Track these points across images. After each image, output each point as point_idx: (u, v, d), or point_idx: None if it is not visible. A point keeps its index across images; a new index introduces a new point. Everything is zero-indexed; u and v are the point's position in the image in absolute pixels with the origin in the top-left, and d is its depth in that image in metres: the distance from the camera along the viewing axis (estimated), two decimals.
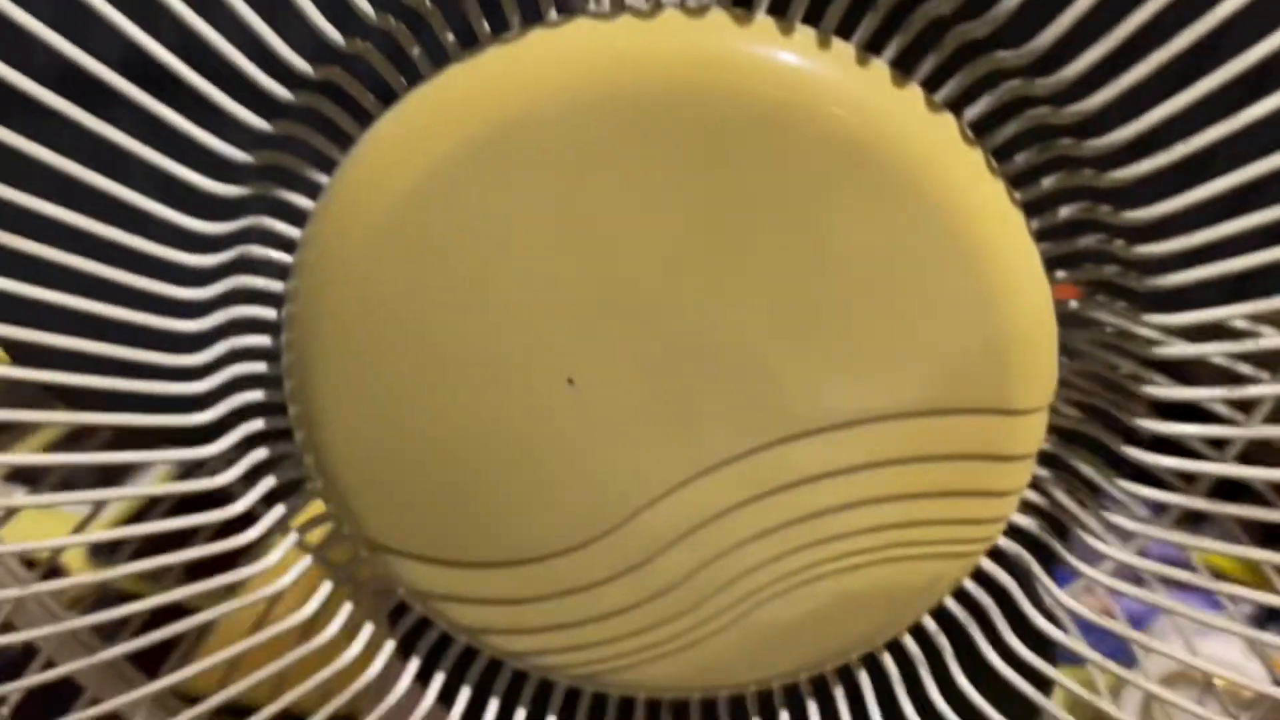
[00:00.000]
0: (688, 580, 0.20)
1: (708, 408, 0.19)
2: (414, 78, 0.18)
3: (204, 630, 0.27)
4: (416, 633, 0.22)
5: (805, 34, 0.17)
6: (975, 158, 0.18)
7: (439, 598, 0.21)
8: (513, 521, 0.20)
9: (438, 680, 0.22)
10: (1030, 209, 0.18)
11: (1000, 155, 0.18)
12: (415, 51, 0.18)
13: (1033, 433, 0.19)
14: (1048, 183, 0.18)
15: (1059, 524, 0.22)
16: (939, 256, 0.18)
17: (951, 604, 0.21)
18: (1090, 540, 0.21)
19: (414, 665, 0.22)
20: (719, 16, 0.17)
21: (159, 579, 0.25)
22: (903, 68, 0.17)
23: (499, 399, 0.19)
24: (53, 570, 0.26)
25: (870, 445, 0.19)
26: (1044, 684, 0.21)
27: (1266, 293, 0.18)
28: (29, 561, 0.26)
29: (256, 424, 0.20)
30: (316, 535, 0.22)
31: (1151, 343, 0.18)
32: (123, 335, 0.19)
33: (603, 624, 0.21)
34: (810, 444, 0.19)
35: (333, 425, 0.20)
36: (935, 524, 0.20)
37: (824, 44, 0.17)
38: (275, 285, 0.19)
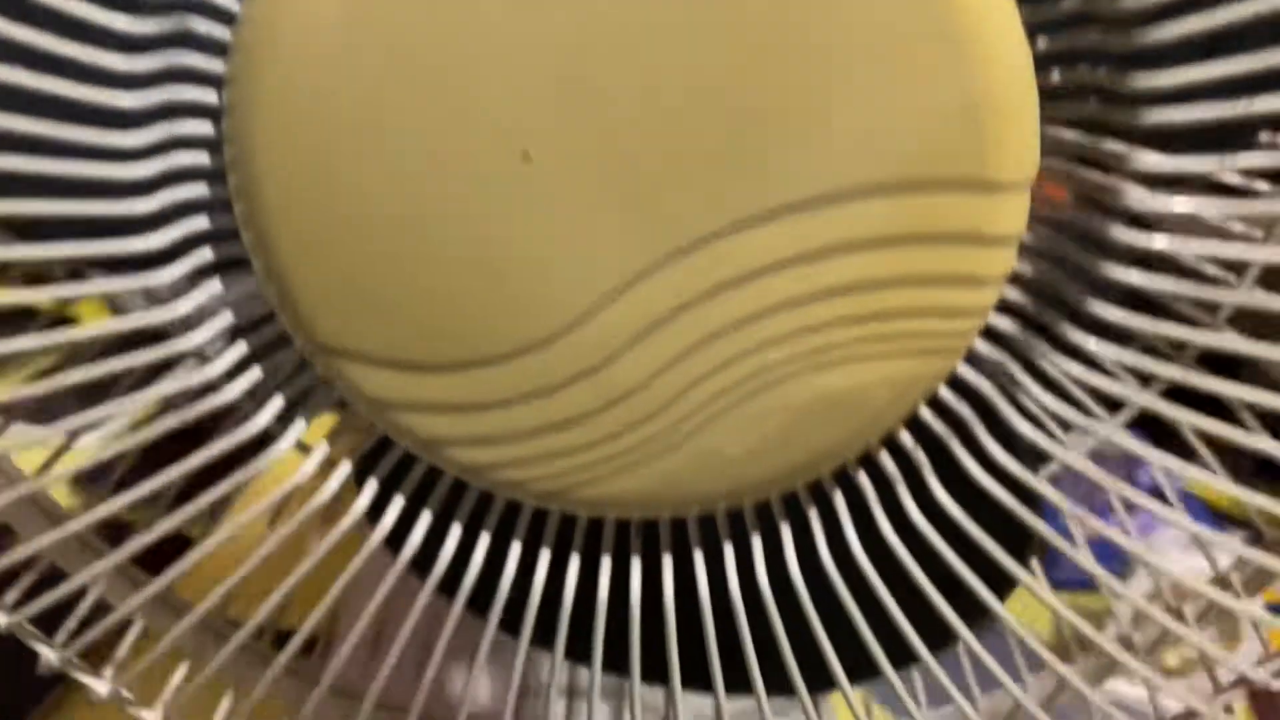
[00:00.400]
0: (650, 383, 0.19)
1: (669, 186, 0.18)
2: None
3: None
4: (375, 456, 0.21)
5: None
6: None
7: (395, 406, 0.20)
8: (467, 319, 0.19)
9: (397, 504, 0.21)
10: None
11: None
12: None
13: (1013, 212, 0.18)
14: None
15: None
16: (913, 14, 0.17)
17: (928, 415, 0.20)
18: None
19: (372, 486, 0.21)
20: None
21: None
22: None
23: (451, 180, 0.18)
24: None
25: (840, 226, 0.18)
26: (1031, 501, 0.21)
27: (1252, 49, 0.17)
28: None
29: (200, 222, 0.19)
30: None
31: (1137, 105, 0.17)
32: (51, 110, 0.18)
33: (564, 433, 0.20)
34: (775, 226, 0.18)
35: (280, 222, 0.19)
36: (910, 315, 0.18)
37: None
38: (218, 66, 0.18)
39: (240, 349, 0.20)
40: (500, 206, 0.18)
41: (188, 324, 0.19)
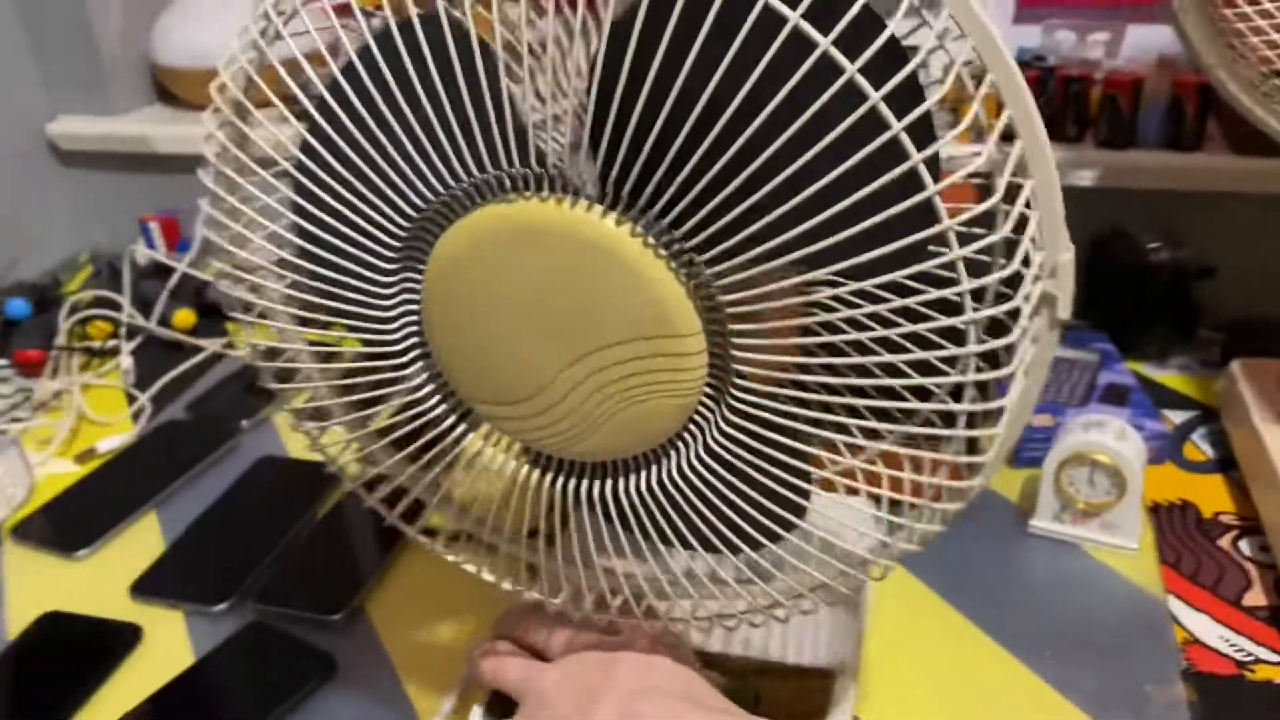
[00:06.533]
0: (576, 410, 0.41)
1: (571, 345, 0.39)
2: None
3: None
4: None
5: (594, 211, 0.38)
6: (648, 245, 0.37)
7: (488, 417, 0.42)
8: (507, 388, 0.40)
9: None
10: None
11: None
12: None
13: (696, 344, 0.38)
14: None
15: None
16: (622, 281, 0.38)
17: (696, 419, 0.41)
18: None
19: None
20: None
21: None
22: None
23: (493, 336, 0.40)
24: None
25: (619, 352, 0.38)
26: None
27: None
28: None
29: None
30: None
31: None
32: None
33: (546, 427, 0.41)
34: (600, 354, 0.39)
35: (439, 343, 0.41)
36: (661, 383, 0.39)
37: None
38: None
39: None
40: (517, 349, 0.39)
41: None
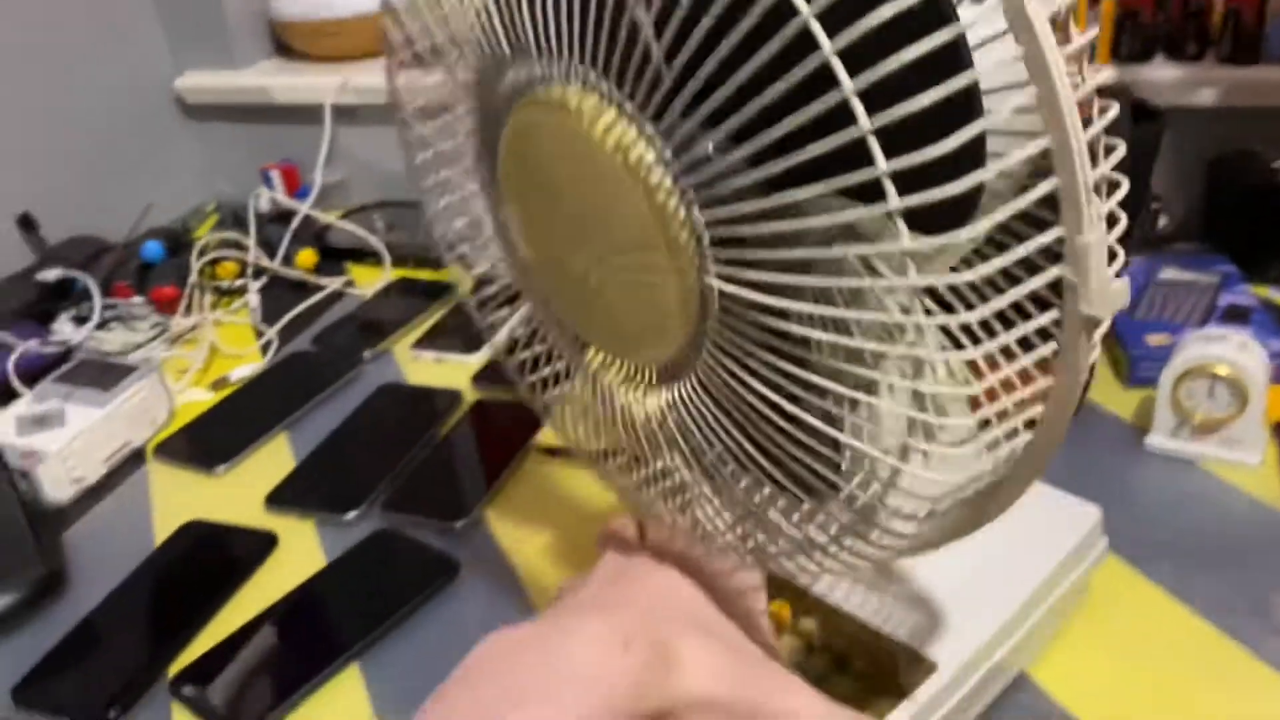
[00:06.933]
0: (608, 308, 0.41)
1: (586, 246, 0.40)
2: None
3: None
4: None
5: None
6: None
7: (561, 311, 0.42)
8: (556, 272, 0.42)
9: None
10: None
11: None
12: None
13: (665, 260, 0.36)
14: None
15: None
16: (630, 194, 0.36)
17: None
18: None
19: None
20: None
21: None
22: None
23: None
24: None
25: (620, 260, 0.38)
26: None
27: None
28: None
29: None
30: None
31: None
32: None
33: (597, 321, 0.43)
34: (608, 259, 0.39)
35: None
36: (653, 298, 0.38)
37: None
38: None
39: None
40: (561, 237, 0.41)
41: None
